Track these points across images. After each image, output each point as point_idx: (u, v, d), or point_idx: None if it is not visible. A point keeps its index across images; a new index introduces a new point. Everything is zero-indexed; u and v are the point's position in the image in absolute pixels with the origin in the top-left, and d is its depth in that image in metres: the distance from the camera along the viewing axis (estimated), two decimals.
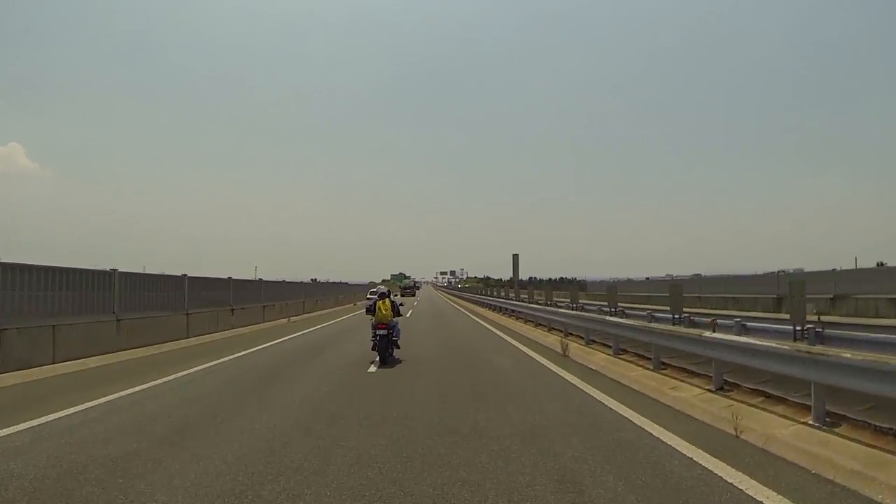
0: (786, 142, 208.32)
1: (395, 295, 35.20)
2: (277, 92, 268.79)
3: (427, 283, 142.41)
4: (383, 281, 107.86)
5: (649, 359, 7.67)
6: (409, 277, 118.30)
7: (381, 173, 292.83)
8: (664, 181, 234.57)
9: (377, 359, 9.20)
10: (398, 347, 9.89)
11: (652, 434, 4.63)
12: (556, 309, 14.37)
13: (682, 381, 6.62)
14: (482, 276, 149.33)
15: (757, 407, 5.17)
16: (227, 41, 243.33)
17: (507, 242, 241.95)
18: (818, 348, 4.75)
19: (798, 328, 6.35)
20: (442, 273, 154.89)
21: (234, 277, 17.06)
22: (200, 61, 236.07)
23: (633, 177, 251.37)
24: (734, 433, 4.52)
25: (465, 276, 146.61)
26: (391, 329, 9.44)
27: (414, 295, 68.54)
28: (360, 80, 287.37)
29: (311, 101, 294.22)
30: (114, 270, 10.77)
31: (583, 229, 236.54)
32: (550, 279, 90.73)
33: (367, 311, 10.92)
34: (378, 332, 9.32)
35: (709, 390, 5.96)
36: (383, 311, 9.55)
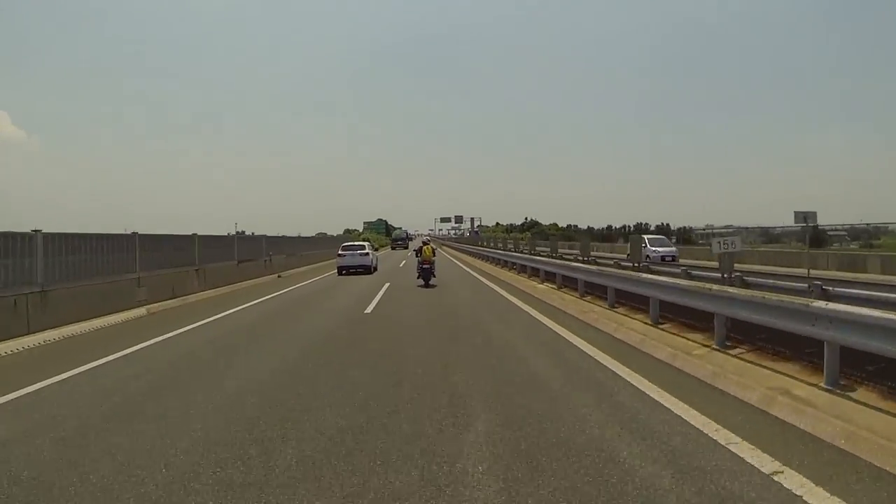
0: (786, 97, 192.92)
1: (374, 249, 26.03)
2: (263, 53, 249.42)
3: (422, 236, 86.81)
4: (346, 231, 78.61)
5: None
6: (399, 228, 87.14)
7: (370, 128, 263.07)
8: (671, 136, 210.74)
9: (422, 283, 15.47)
10: (434, 276, 15.81)
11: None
12: None
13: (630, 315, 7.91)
14: (525, 223, 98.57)
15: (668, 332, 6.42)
16: (210, 5, 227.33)
17: (509, 194, 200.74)
18: (719, 287, 5.95)
19: (726, 275, 7.59)
20: (444, 220, 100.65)
21: None
22: (184, 25, 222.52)
23: (634, 130, 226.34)
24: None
25: (474, 227, 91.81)
26: (431, 264, 15.65)
27: (406, 248, 58.03)
28: (348, 39, 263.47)
29: (298, 61, 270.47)
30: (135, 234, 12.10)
31: (571, 183, 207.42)
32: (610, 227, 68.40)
33: (339, 272, 21.14)
34: (423, 266, 15.54)
35: (647, 323, 7.30)
36: (427, 254, 15.64)
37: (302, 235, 35.75)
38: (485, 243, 33.90)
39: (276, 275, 20.94)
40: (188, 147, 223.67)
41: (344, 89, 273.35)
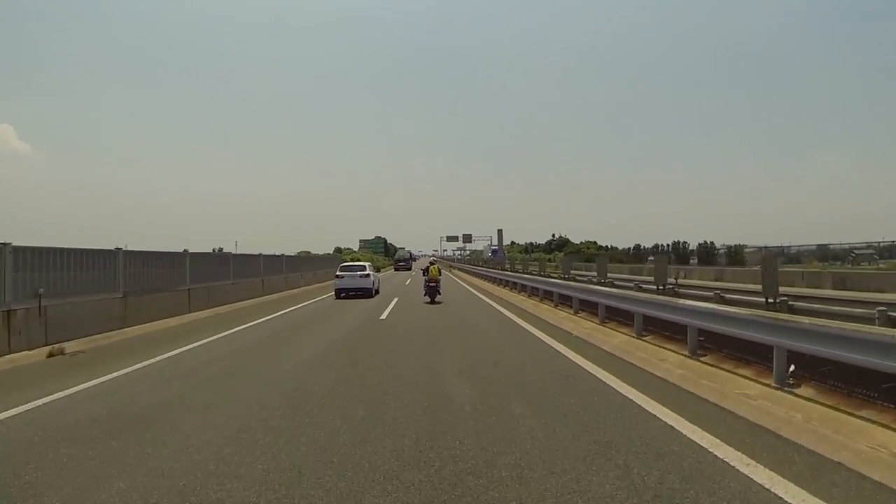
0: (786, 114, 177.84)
1: (376, 271, 23.05)
2: (260, 65, 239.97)
3: (427, 257, 55.43)
4: (336, 250, 72.18)
5: None
6: (402, 248, 77.70)
7: (368, 144, 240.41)
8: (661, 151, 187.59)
9: (428, 299, 17.04)
10: (440, 294, 17.35)
11: None
12: None
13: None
14: (553, 241, 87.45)
15: None
16: (208, 16, 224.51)
17: (522, 213, 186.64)
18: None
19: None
20: (450, 238, 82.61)
21: None
22: (182, 37, 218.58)
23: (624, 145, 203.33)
24: None
25: (500, 245, 76.25)
26: (437, 282, 17.18)
27: (410, 269, 52.72)
28: (344, 49, 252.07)
29: (293, 72, 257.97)
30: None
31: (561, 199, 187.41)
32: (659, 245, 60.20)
33: (336, 295, 20.27)
34: (429, 284, 17.07)
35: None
36: (433, 273, 17.18)
37: (286, 255, 26.50)
38: (531, 268, 24.15)
39: (49, 350, 8.35)
40: (180, 162, 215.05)
41: (347, 100, 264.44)
